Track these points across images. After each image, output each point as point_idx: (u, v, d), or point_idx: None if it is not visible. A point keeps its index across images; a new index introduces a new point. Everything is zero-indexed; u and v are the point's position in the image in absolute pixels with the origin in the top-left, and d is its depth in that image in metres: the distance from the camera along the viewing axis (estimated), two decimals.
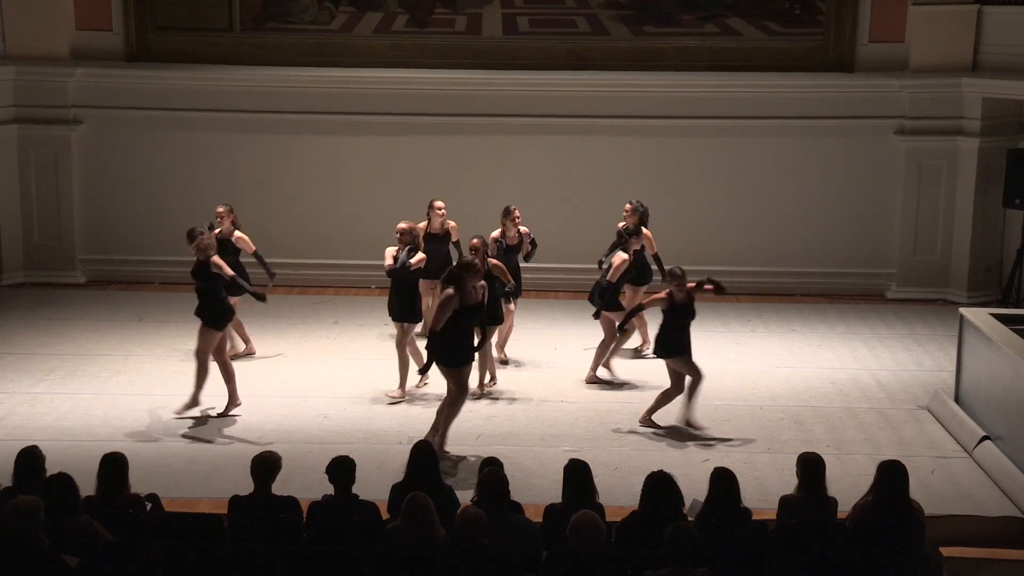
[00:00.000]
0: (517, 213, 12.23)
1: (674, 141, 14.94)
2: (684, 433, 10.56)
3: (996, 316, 10.82)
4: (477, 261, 10.22)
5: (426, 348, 9.98)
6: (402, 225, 11.26)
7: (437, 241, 12.32)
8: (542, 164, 14.86)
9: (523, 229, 12.24)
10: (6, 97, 14.79)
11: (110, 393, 11.30)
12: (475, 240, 11.17)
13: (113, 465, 7.56)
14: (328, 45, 15.07)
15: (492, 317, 11.16)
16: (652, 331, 11.62)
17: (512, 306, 11.92)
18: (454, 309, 9.77)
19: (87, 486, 7.41)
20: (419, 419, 10.77)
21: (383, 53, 15.06)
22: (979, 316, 10.84)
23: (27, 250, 15.04)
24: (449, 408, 10.02)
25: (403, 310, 11.22)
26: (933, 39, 14.59)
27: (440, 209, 12.41)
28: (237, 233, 12.07)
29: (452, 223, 12.52)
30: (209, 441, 10.28)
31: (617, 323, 11.19)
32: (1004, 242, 14.80)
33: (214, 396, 10.81)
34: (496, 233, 12.08)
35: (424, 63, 14.97)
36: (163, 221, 14.64)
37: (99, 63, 14.96)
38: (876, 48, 14.82)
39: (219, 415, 10.74)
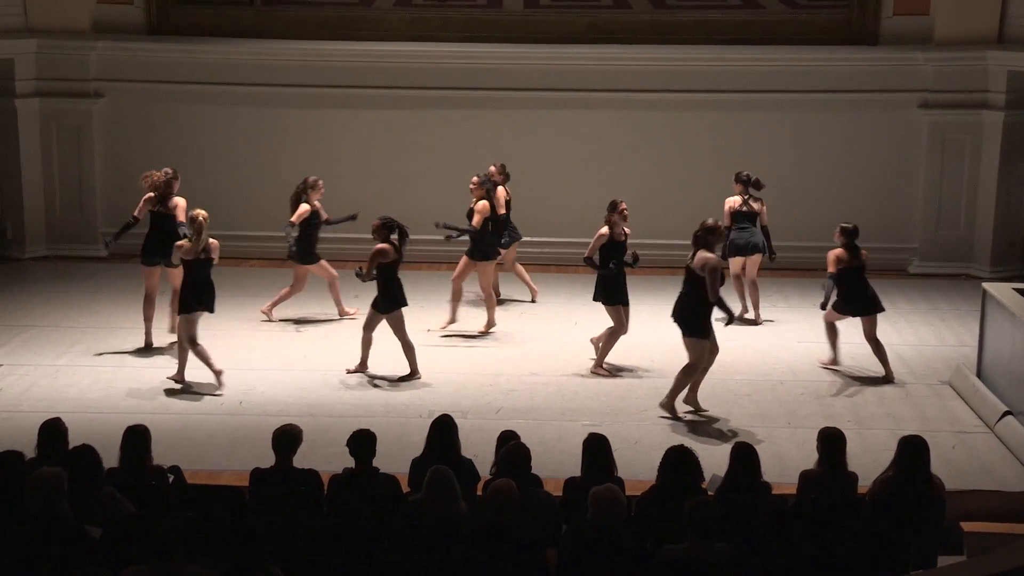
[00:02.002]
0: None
1: (695, 115, 14.86)
2: (705, 408, 10.55)
3: (1019, 291, 10.76)
4: (713, 221, 10.36)
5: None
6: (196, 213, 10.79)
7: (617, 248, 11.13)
8: (562, 138, 14.81)
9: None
10: (28, 70, 14.83)
11: (132, 366, 11.35)
12: (376, 222, 11.01)
13: (136, 437, 7.62)
14: (348, 18, 15.04)
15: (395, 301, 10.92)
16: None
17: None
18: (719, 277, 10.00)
19: (110, 458, 7.47)
20: (439, 393, 10.80)
21: (403, 26, 15.01)
22: (1002, 291, 10.79)
23: (49, 223, 15.10)
24: (682, 375, 10.25)
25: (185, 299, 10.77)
26: (958, 11, 14.46)
27: (625, 211, 11.27)
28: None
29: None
30: (231, 414, 10.33)
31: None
32: None
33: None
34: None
35: (444, 36, 14.91)
36: (184, 194, 14.63)
37: (120, 36, 14.98)
38: (900, 21, 14.69)
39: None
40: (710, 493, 7.49)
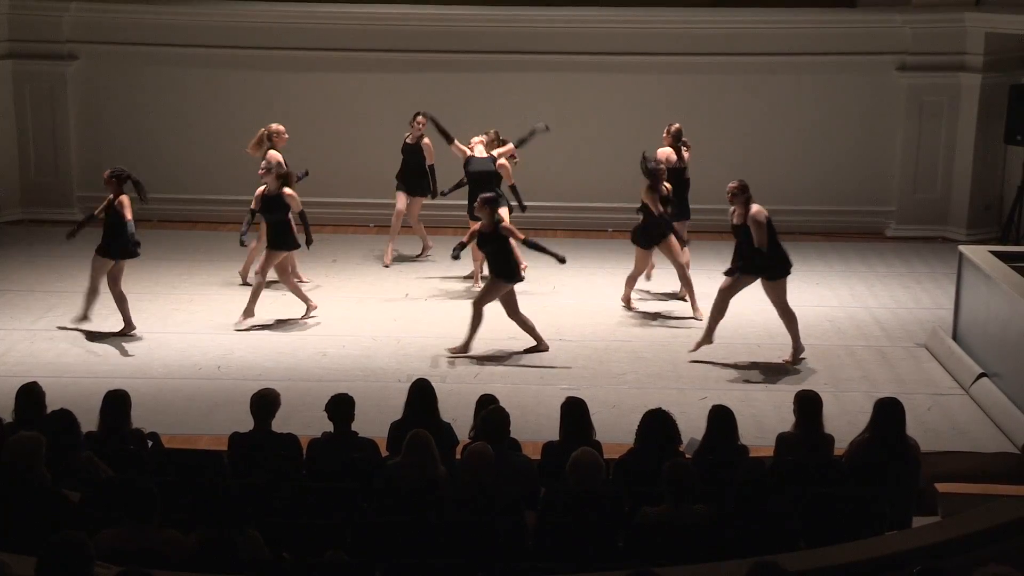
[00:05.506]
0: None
1: (674, 78, 14.80)
2: (682, 371, 10.60)
3: (995, 253, 10.80)
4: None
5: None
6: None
7: None
8: (544, 102, 14.70)
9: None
10: (0, 32, 14.65)
11: (109, 330, 11.30)
12: (105, 173, 11.01)
13: (116, 402, 7.61)
14: None
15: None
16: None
17: None
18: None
19: (87, 422, 7.45)
20: (418, 357, 10.80)
21: None
22: (978, 253, 10.83)
23: (24, 187, 14.97)
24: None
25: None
26: None
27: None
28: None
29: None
30: (209, 379, 10.31)
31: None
32: (1004, 179, 14.74)
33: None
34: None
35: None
36: (159, 158, 14.57)
37: None
38: None
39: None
40: (687, 456, 7.53)
